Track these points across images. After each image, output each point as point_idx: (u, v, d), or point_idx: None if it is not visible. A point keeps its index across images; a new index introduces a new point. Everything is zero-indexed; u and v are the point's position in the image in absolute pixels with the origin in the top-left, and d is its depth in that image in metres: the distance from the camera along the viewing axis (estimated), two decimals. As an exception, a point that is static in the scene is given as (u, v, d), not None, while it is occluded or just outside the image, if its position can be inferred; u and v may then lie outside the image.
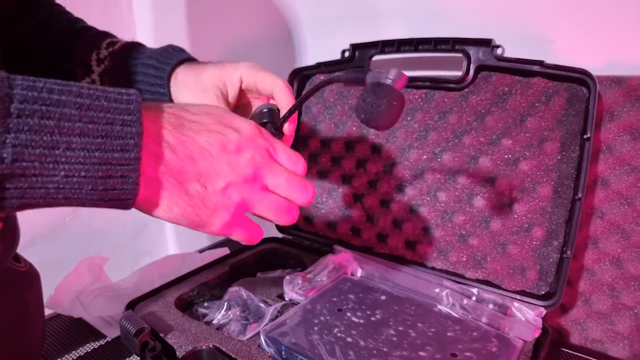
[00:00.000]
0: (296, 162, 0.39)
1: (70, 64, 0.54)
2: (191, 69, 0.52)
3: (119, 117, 0.30)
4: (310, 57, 0.81)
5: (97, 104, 0.30)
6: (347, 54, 0.76)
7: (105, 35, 0.56)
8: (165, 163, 0.33)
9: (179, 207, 0.33)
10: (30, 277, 0.54)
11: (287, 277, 0.66)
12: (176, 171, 0.33)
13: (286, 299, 0.65)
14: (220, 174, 0.34)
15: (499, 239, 0.64)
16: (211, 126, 0.35)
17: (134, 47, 0.54)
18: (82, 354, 0.65)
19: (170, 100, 0.52)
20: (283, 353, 0.53)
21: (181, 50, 0.54)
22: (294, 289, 0.64)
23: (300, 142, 0.84)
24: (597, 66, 0.60)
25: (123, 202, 0.32)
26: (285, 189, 0.37)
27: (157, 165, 0.32)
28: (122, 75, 0.53)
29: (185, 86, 0.51)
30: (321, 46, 0.91)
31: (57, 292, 0.71)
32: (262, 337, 0.55)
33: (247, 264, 0.78)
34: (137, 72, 0.53)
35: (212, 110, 0.37)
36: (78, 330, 0.70)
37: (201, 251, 0.95)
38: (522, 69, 0.62)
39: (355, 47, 0.75)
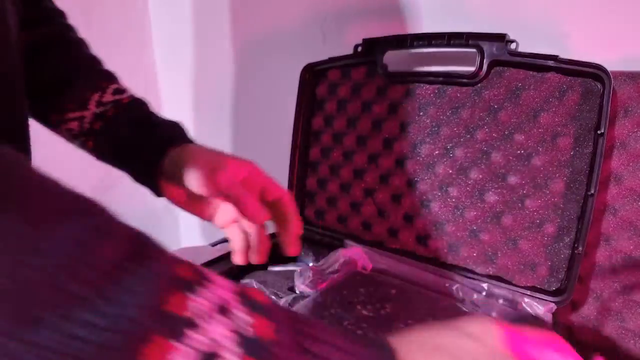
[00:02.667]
0: None
1: (65, 95, 0.50)
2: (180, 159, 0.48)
3: None
4: (323, 52, 0.82)
5: None
6: (359, 49, 0.76)
7: (112, 77, 0.53)
8: None
9: None
10: None
11: (298, 270, 0.66)
12: None
13: (297, 291, 0.66)
14: None
15: (510, 234, 0.64)
16: (450, 347, 0.30)
17: (141, 106, 0.52)
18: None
19: (158, 166, 0.48)
20: (294, 344, 0.54)
21: (183, 130, 0.52)
22: (304, 282, 0.65)
23: (312, 137, 0.84)
24: (611, 61, 0.59)
25: None
26: None
27: None
28: (119, 130, 0.50)
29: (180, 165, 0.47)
30: (334, 41, 0.92)
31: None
32: (273, 328, 0.56)
33: (258, 257, 0.79)
34: (132, 137, 0.50)
35: (440, 330, 0.31)
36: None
37: (214, 245, 0.96)
38: (536, 64, 0.62)
39: (367, 42, 0.75)
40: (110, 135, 0.50)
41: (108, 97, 0.50)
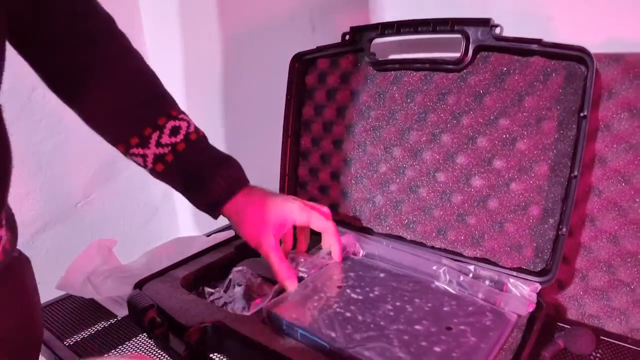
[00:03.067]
0: None
1: (127, 126, 0.56)
2: (250, 200, 0.61)
3: None
4: (311, 41, 0.82)
5: None
6: (347, 37, 0.76)
7: (167, 102, 0.59)
8: None
9: None
10: (23, 263, 0.55)
11: (290, 256, 0.67)
12: None
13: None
14: None
15: (497, 217, 0.65)
16: None
17: (195, 149, 0.59)
18: (93, 332, 0.68)
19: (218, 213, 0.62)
20: (284, 327, 0.55)
21: (241, 172, 0.63)
22: (296, 267, 0.66)
23: (303, 126, 0.85)
24: (595, 44, 0.60)
25: None
26: None
27: None
28: (177, 176, 0.59)
29: (245, 214, 0.61)
30: (322, 30, 0.92)
31: (68, 273, 0.74)
32: (264, 312, 0.57)
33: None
34: (192, 181, 0.59)
35: None
36: (89, 310, 0.73)
37: (208, 235, 0.97)
38: (521, 48, 0.62)
39: (355, 30, 0.75)
40: (171, 179, 0.60)
41: (165, 138, 0.57)
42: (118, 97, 0.56)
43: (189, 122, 0.60)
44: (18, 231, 0.52)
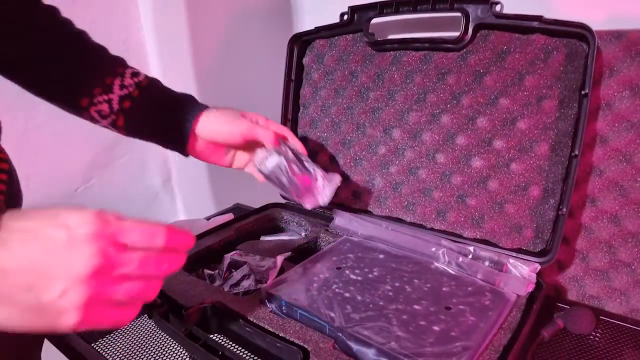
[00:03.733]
0: (152, 237, 0.36)
1: (90, 83, 0.59)
2: (210, 119, 0.62)
3: None
4: (309, 21, 0.81)
5: None
6: (345, 17, 0.75)
7: (123, 62, 0.62)
8: None
9: (14, 317, 0.32)
10: None
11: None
12: (3, 283, 0.31)
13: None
14: (53, 281, 0.32)
15: (497, 198, 0.65)
16: (40, 231, 0.32)
17: (157, 85, 0.63)
18: (94, 314, 0.68)
19: (185, 142, 0.63)
20: (284, 308, 0.55)
21: (196, 101, 0.64)
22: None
23: (301, 108, 0.84)
24: (597, 20, 0.59)
25: None
26: (140, 273, 0.35)
27: None
28: (146, 108, 0.61)
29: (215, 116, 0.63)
30: (320, 10, 0.91)
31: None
32: (263, 293, 0.57)
33: (251, 228, 0.80)
34: (161, 110, 0.62)
35: (44, 214, 0.34)
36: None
37: (208, 218, 0.97)
38: (521, 25, 0.61)
39: (353, 9, 0.74)
40: (140, 112, 0.61)
41: (128, 80, 0.60)
42: (76, 60, 0.59)
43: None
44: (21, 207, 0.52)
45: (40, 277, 0.31)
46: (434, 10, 0.67)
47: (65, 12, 0.60)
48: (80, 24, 0.61)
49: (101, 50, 0.62)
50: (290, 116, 0.84)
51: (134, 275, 0.34)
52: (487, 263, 0.62)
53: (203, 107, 0.63)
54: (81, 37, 0.61)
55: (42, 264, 0.31)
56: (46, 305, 0.31)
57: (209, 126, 0.62)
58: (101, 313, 0.34)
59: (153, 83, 0.63)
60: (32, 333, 0.33)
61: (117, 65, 0.61)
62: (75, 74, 0.59)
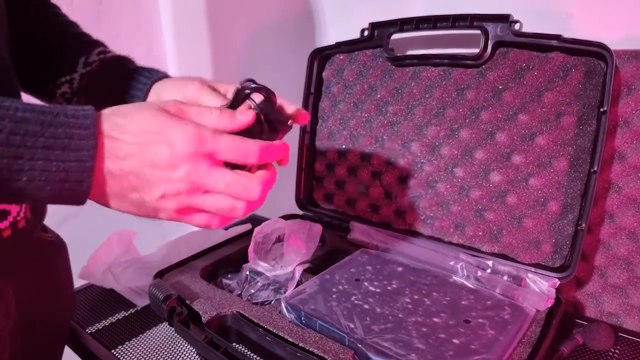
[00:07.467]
0: (247, 154, 0.40)
1: (57, 64, 0.57)
2: (163, 86, 0.56)
3: (76, 131, 0.35)
4: (330, 37, 0.83)
5: (57, 120, 0.35)
6: (366, 33, 0.77)
7: (98, 43, 0.59)
8: (109, 174, 0.37)
9: (124, 207, 0.40)
10: (57, 246, 0.57)
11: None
12: (116, 183, 0.38)
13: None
14: (154, 187, 0.38)
15: (515, 213, 0.65)
16: (147, 147, 0.38)
17: (123, 60, 0.58)
18: (113, 321, 0.69)
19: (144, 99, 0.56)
20: (303, 319, 0.56)
21: (155, 71, 0.58)
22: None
23: (320, 121, 0.85)
24: (615, 40, 0.59)
25: (77, 200, 0.37)
26: (227, 193, 0.40)
27: (102, 175, 0.37)
28: (104, 79, 0.56)
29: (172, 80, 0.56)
30: (341, 26, 0.92)
31: (90, 263, 0.75)
32: (282, 303, 0.58)
33: (268, 238, 0.81)
34: (115, 83, 0.56)
35: (149, 127, 0.38)
36: (109, 299, 0.74)
37: (226, 228, 0.98)
38: (540, 44, 0.62)
39: (374, 26, 0.76)
40: (96, 86, 0.56)
41: (93, 57, 0.57)
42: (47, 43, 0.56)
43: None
44: (45, 217, 0.53)
45: (145, 183, 0.38)
46: (453, 27, 0.68)
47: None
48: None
49: (80, 35, 0.59)
50: (309, 128, 0.86)
51: (222, 193, 0.40)
52: (505, 277, 0.62)
53: (159, 77, 0.56)
54: (67, 24, 0.58)
55: (147, 174, 0.38)
56: (147, 202, 0.39)
57: (156, 94, 0.55)
58: (190, 214, 0.41)
59: (119, 58, 0.58)
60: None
61: (90, 45, 0.58)
62: (44, 59, 0.57)
